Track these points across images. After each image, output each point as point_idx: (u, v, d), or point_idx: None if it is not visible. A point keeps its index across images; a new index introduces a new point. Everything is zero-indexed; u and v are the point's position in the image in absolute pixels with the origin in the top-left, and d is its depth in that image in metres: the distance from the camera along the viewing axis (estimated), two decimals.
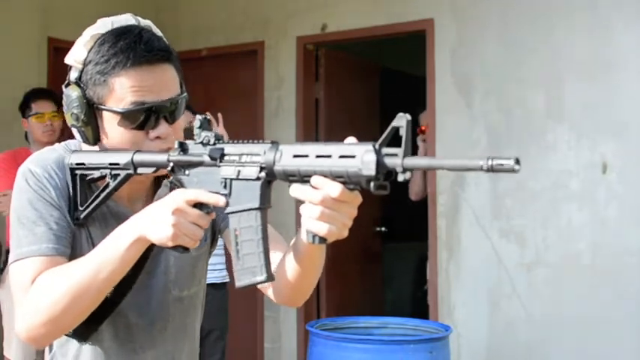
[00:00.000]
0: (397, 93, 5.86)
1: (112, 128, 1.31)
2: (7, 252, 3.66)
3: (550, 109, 4.03)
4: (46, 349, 1.44)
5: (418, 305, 4.89)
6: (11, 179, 4.13)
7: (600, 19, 3.91)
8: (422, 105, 4.47)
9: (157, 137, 1.31)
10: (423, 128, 4.42)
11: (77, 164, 1.34)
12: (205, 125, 1.23)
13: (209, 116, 3.57)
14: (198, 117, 1.24)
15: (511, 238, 4.10)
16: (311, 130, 4.95)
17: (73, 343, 1.39)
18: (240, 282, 1.18)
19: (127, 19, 1.35)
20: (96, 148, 1.37)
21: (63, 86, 1.35)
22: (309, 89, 4.95)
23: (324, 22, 4.80)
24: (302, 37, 4.89)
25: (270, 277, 1.16)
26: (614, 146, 3.85)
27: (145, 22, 1.36)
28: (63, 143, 1.42)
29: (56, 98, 3.79)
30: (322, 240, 1.13)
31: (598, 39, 3.92)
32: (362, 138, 1.11)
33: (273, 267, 1.26)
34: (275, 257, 1.30)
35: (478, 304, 4.18)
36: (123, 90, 1.27)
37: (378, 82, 5.56)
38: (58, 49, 4.70)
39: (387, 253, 5.66)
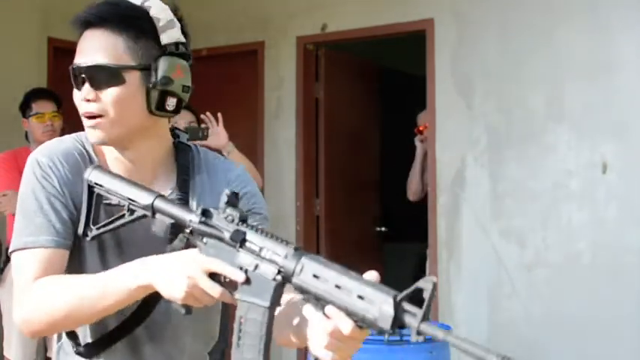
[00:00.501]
0: (397, 93, 5.86)
1: None
2: (7, 251, 3.66)
3: (550, 109, 4.03)
4: (55, 338, 1.47)
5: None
6: (11, 179, 4.13)
7: (600, 20, 3.91)
8: (422, 105, 4.47)
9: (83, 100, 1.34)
10: (421, 128, 4.42)
11: (96, 183, 1.33)
12: (232, 200, 1.20)
13: (209, 116, 3.57)
14: (226, 192, 1.20)
15: (511, 238, 4.10)
16: (311, 130, 4.95)
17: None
18: None
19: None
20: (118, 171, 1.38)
21: None
22: (309, 89, 4.95)
23: (324, 22, 4.80)
24: (302, 37, 4.89)
25: None
26: (614, 146, 3.85)
27: (159, 4, 1.37)
28: (73, 134, 1.44)
29: (57, 98, 3.78)
30: None
31: (598, 39, 3.92)
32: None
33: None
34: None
35: (478, 304, 4.18)
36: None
37: (378, 82, 5.56)
38: (58, 49, 4.70)
39: (387, 253, 5.65)
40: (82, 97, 1.33)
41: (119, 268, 1.25)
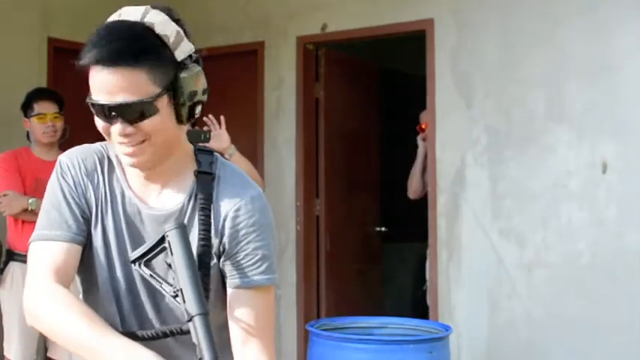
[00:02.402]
0: (397, 93, 5.87)
1: None
2: (8, 252, 3.66)
3: (550, 109, 4.03)
4: None
5: (418, 305, 4.89)
6: (10, 179, 4.12)
7: (600, 20, 3.91)
8: (422, 105, 4.47)
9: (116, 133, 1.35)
10: (423, 126, 4.42)
11: (169, 243, 1.32)
12: None
13: (211, 118, 3.54)
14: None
15: (511, 238, 4.10)
16: (311, 130, 4.96)
17: None
18: None
19: (134, 11, 1.35)
20: None
21: None
22: (309, 89, 4.96)
23: (324, 22, 4.80)
24: (302, 37, 4.89)
25: None
26: (614, 146, 3.85)
27: (161, 17, 1.35)
28: (103, 142, 1.49)
29: (59, 99, 3.78)
30: None
31: (598, 39, 3.92)
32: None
33: None
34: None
35: (478, 304, 4.18)
36: (90, 82, 1.34)
37: (378, 82, 5.56)
38: (58, 49, 4.70)
39: (387, 253, 5.66)
40: (121, 133, 1.33)
41: (119, 349, 1.25)
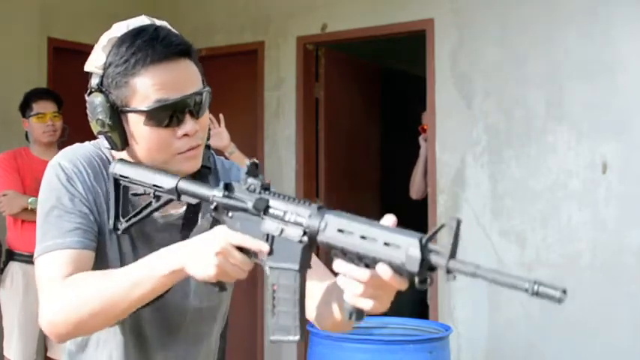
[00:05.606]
0: (397, 93, 5.87)
1: (139, 129, 1.29)
2: (7, 252, 3.66)
3: (550, 109, 4.03)
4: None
5: (418, 305, 4.89)
6: (10, 179, 4.13)
7: (600, 20, 3.91)
8: (422, 105, 4.47)
9: (185, 135, 1.30)
10: (425, 127, 4.43)
11: (121, 175, 1.33)
12: (252, 171, 1.20)
13: (211, 117, 3.56)
14: (247, 162, 1.22)
15: (511, 238, 4.10)
16: (311, 130, 4.96)
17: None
18: (274, 337, 1.17)
19: (142, 21, 1.33)
20: (125, 154, 1.36)
21: (85, 95, 1.32)
22: (309, 89, 4.95)
23: (324, 22, 4.80)
24: (302, 37, 4.89)
25: (302, 338, 1.16)
26: (614, 146, 3.85)
27: (161, 23, 1.35)
28: (94, 141, 1.41)
29: (57, 98, 3.79)
30: (359, 316, 1.12)
31: (598, 39, 3.92)
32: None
33: (316, 302, 1.29)
34: (317, 289, 1.31)
35: (478, 304, 4.18)
36: (145, 89, 1.27)
37: (378, 82, 5.56)
38: (58, 49, 4.70)
39: None
40: (192, 131, 1.30)
41: (149, 257, 1.23)
